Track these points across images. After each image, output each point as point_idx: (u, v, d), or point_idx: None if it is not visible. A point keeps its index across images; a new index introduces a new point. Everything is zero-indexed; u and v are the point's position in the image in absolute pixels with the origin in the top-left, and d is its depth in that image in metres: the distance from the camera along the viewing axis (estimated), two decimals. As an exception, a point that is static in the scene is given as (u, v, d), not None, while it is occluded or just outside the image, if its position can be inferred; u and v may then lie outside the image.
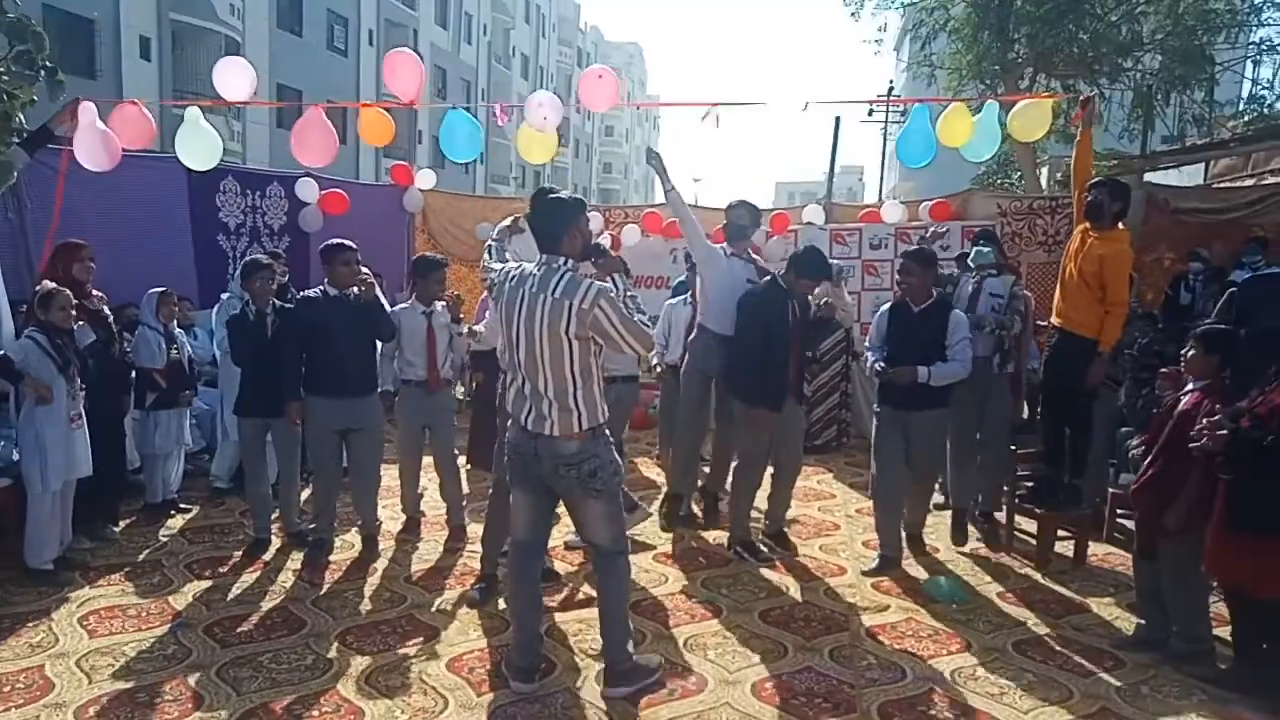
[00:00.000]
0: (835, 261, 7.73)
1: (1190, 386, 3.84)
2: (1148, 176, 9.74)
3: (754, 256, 5.54)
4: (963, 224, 8.91)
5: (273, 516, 5.21)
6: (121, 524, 5.34)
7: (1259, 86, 13.74)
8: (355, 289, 4.94)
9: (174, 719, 3.21)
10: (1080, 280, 4.97)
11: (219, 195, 7.75)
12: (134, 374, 5.37)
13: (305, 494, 5.61)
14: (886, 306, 5.06)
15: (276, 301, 5.11)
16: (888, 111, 32.83)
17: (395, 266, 9.88)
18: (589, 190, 60.14)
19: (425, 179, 10.16)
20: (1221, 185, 10.06)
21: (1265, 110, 12.95)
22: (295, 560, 4.91)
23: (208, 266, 7.51)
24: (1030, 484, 5.28)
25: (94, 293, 5.13)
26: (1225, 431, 3.33)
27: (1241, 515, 3.38)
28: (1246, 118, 12.82)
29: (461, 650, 3.81)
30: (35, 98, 4.76)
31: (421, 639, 3.92)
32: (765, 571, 4.87)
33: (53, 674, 3.51)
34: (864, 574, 4.85)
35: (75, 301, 4.60)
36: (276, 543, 5.12)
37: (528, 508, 3.52)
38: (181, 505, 5.70)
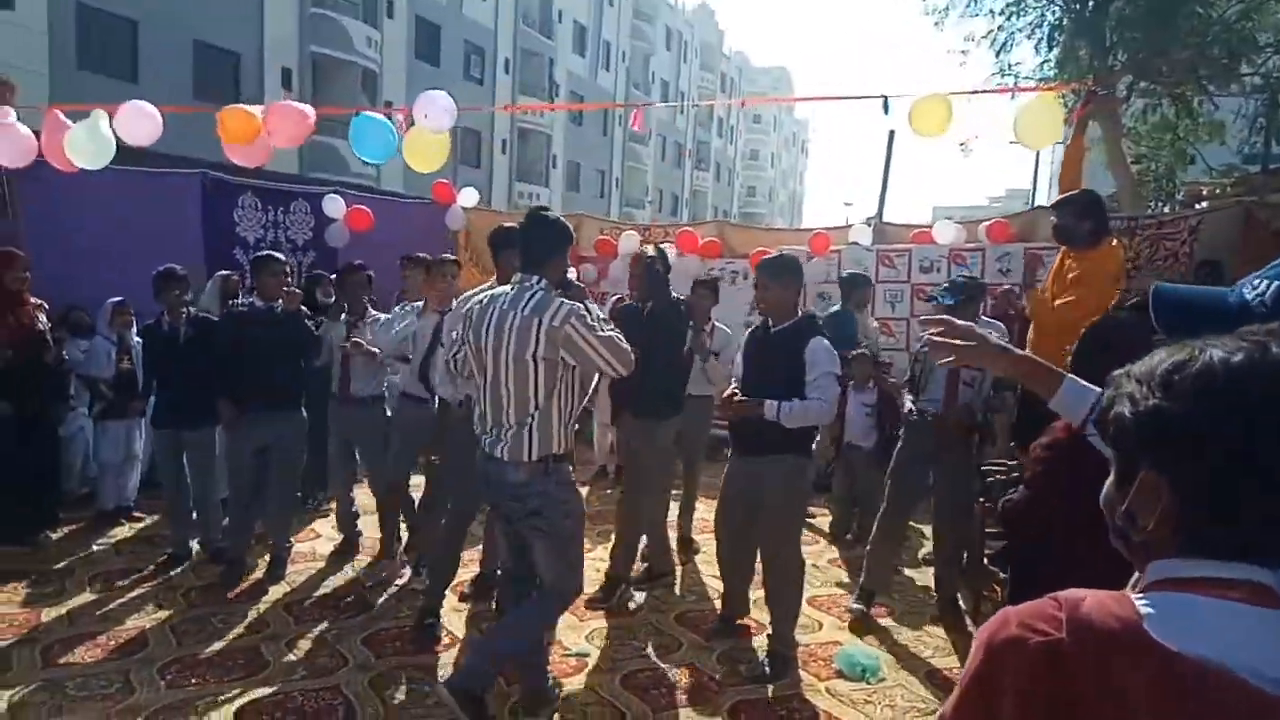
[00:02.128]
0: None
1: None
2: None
3: None
4: (1025, 246, 7.97)
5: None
6: (64, 530, 5.40)
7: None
8: (280, 301, 4.84)
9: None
10: (1051, 312, 4.21)
11: (237, 210, 7.91)
12: (71, 382, 5.43)
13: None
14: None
15: (191, 311, 5.05)
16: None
17: (435, 284, 9.91)
18: (729, 213, 59.83)
19: (468, 197, 10.11)
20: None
21: None
22: (203, 577, 4.79)
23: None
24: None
25: (29, 301, 5.19)
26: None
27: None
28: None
29: (263, 694, 3.51)
30: None
31: (240, 676, 3.65)
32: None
33: None
34: None
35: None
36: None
37: (505, 535, 3.40)
38: (136, 514, 5.73)
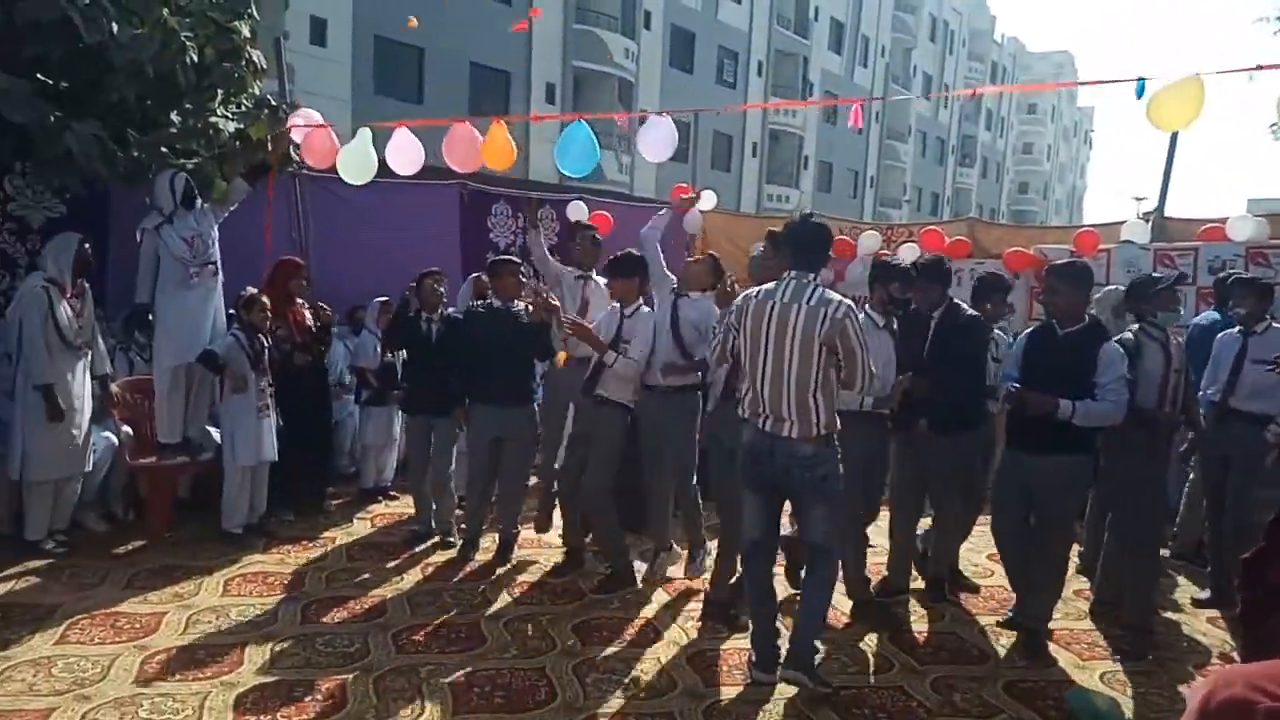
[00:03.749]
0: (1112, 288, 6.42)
1: None
2: None
3: None
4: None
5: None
6: (332, 505, 6.08)
7: None
8: (522, 303, 5.16)
9: (204, 677, 3.56)
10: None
11: (490, 217, 8.53)
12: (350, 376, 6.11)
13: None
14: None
15: (449, 310, 5.51)
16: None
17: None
18: (997, 211, 56.25)
19: (706, 200, 10.21)
20: None
21: None
22: (440, 556, 5.21)
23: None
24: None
25: (305, 306, 5.81)
26: None
27: None
28: None
29: (479, 666, 3.74)
30: (268, 134, 5.59)
31: (459, 648, 3.92)
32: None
33: (166, 620, 4.10)
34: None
35: (272, 309, 5.39)
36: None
37: (759, 508, 3.73)
38: (392, 493, 6.33)
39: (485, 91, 24.24)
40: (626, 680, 3.65)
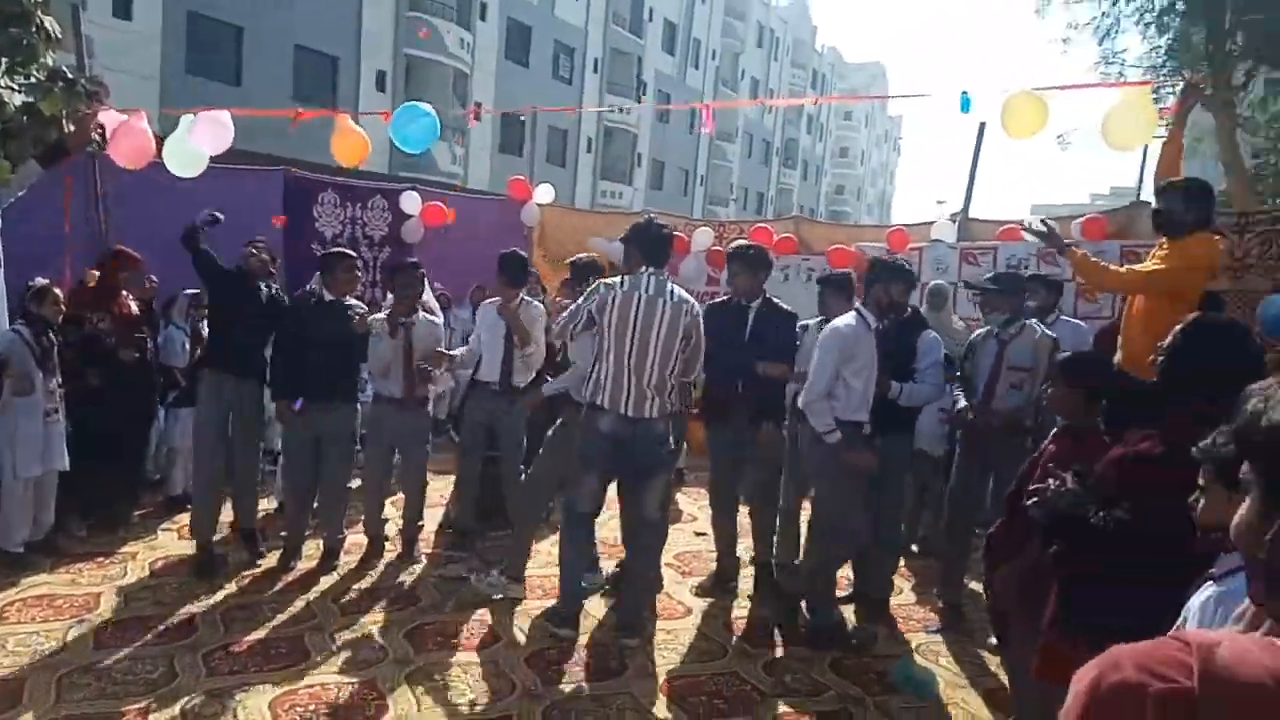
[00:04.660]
0: (946, 284, 6.78)
1: (1056, 428, 3.12)
2: None
3: None
4: (1122, 244, 7.49)
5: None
6: (137, 514, 5.56)
7: None
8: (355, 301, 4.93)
9: (-25, 718, 3.15)
10: (1144, 310, 3.88)
11: (316, 206, 8.07)
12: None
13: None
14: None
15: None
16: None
17: (508, 279, 9.95)
18: (816, 211, 58.91)
19: (544, 193, 10.11)
20: None
21: None
22: (257, 567, 4.85)
23: (298, 275, 7.81)
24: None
25: (129, 297, 5.38)
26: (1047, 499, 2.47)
27: (1070, 612, 2.42)
28: None
29: (302, 684, 3.50)
30: (63, 110, 5.05)
31: (280, 666, 3.66)
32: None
33: (-71, 655, 3.60)
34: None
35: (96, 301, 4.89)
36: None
37: (596, 487, 4.05)
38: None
39: (311, 77, 23.03)
40: (463, 686, 3.52)
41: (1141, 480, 2.31)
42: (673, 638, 4.08)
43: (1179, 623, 1.79)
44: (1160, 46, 11.42)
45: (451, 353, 5.19)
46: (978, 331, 4.89)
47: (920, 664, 3.82)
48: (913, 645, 4.08)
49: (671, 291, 3.91)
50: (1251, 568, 0.78)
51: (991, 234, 8.46)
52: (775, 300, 4.61)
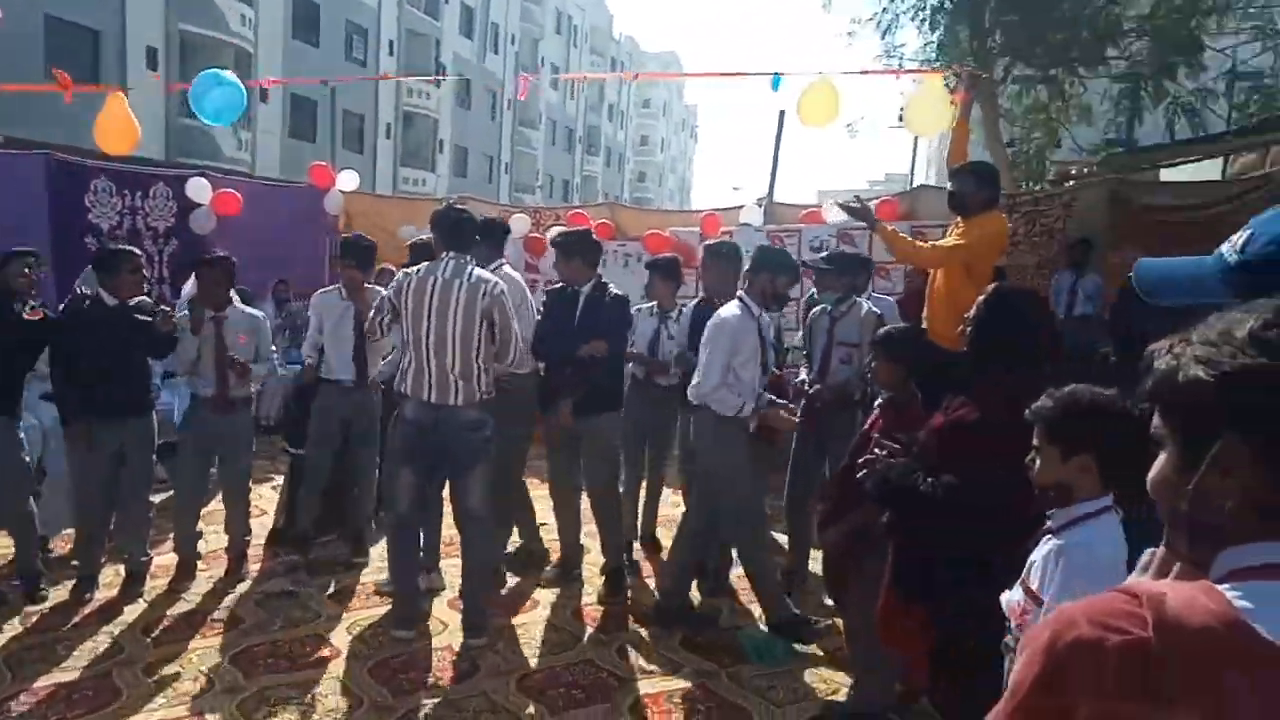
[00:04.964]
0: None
1: (879, 400, 3.34)
2: (1164, 175, 8.81)
3: None
4: (911, 224, 8.09)
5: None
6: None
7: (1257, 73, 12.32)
8: (143, 299, 4.47)
9: None
10: (945, 284, 4.21)
11: (88, 195, 7.27)
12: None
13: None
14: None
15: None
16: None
17: (312, 269, 9.42)
18: (620, 198, 59.85)
19: (348, 180, 9.65)
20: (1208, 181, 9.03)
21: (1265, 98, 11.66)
22: (44, 603, 4.33)
23: (69, 271, 7.02)
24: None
25: None
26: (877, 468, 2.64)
27: (904, 577, 2.61)
28: (1252, 108, 11.59)
29: (115, 725, 3.17)
30: None
31: (87, 709, 3.29)
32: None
33: None
34: None
35: None
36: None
37: (412, 483, 3.94)
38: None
39: (66, 50, 20.66)
40: (304, 707, 3.31)
41: (960, 447, 2.47)
42: (524, 631, 4.02)
43: (1023, 575, 1.95)
44: (933, 42, 12.43)
45: (253, 365, 4.77)
46: (814, 310, 5.12)
47: (766, 632, 3.95)
48: (756, 616, 4.21)
49: (470, 274, 3.81)
50: (1173, 520, 0.84)
51: (795, 217, 8.90)
52: (606, 284, 4.55)
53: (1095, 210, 7.47)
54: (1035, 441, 1.98)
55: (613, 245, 8.97)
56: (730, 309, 3.90)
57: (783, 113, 9.42)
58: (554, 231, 8.83)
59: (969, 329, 2.68)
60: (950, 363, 4.16)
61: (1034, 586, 1.87)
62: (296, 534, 4.90)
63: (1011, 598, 1.93)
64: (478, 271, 3.86)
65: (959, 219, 4.30)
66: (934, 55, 12.14)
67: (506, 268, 4.72)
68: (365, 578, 4.69)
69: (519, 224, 9.19)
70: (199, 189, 8.02)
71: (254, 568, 4.80)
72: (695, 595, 4.40)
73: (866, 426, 3.36)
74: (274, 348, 5.26)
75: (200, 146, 21.65)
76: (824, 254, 5.54)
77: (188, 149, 21.03)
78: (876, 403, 3.43)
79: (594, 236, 4.75)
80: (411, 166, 35.69)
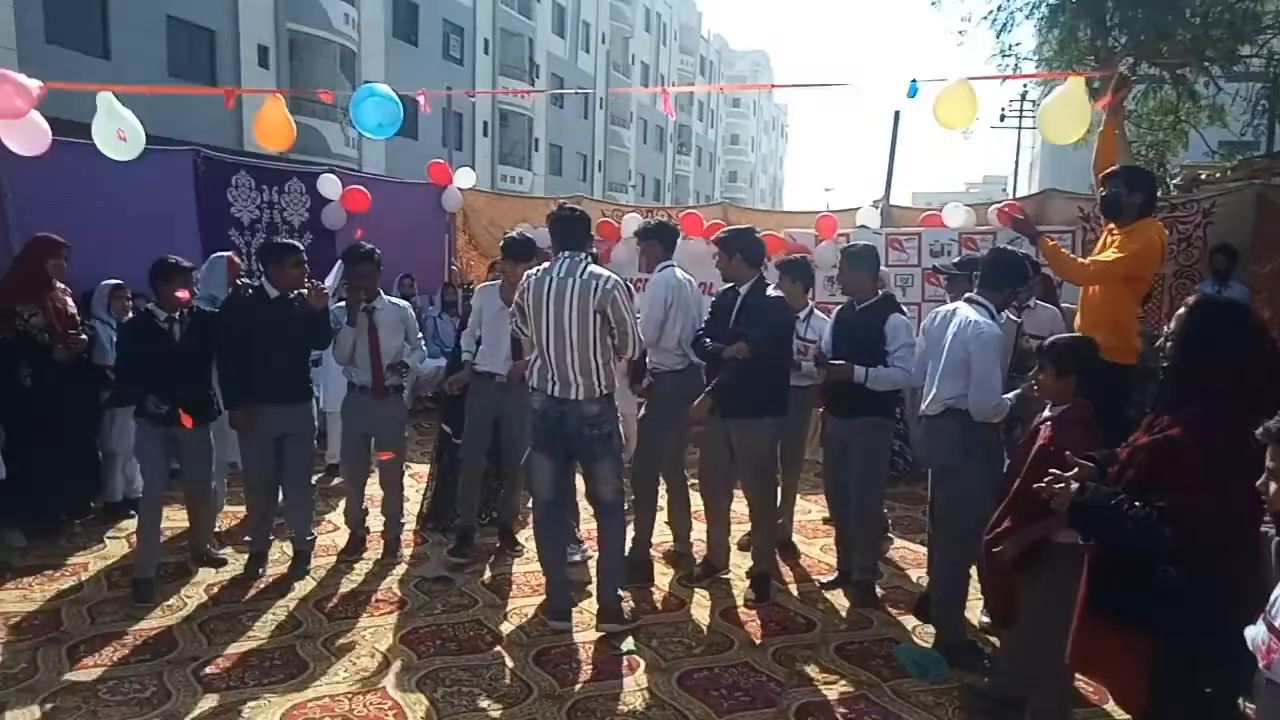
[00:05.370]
0: (884, 270, 6.96)
1: (1046, 414, 3.19)
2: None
3: None
4: (1039, 229, 7.92)
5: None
6: (78, 522, 5.18)
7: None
8: (303, 291, 4.65)
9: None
10: (1103, 296, 4.14)
11: (230, 190, 7.65)
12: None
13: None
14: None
15: (196, 306, 4.70)
16: (1020, 115, 31.07)
17: (432, 265, 9.71)
18: (711, 198, 59.73)
19: (465, 178, 9.89)
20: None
21: None
22: (223, 574, 4.61)
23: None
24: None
25: (59, 287, 5.03)
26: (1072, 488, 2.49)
27: (1100, 593, 2.51)
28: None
29: (308, 697, 3.37)
30: None
31: (281, 678, 3.50)
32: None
33: (-119, 689, 3.29)
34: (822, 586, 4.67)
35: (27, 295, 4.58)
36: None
37: (550, 470, 4.09)
38: (144, 506, 5.50)
39: (186, 50, 21.67)
40: (477, 690, 3.46)
41: (1172, 467, 2.35)
42: (675, 631, 4.09)
43: (1267, 609, 1.89)
44: (1049, 41, 12.04)
45: (419, 367, 5.00)
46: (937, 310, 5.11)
47: (924, 647, 3.94)
48: (909, 627, 4.21)
49: (583, 271, 3.89)
50: None
51: (913, 220, 8.80)
52: (766, 284, 4.52)
53: (1239, 216, 7.16)
54: (1270, 463, 1.94)
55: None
56: (987, 320, 3.73)
57: (898, 113, 9.31)
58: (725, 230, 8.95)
59: (1171, 342, 2.60)
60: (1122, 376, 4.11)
61: (1278, 623, 1.84)
62: (460, 529, 5.01)
63: (1256, 635, 1.88)
64: (591, 268, 3.93)
65: (1113, 226, 4.24)
66: (1051, 55, 11.78)
67: (677, 270, 4.82)
68: (516, 568, 4.84)
69: (631, 224, 9.29)
70: (330, 185, 8.35)
71: (405, 551, 5.03)
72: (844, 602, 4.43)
73: (1039, 440, 3.26)
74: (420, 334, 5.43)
75: (311, 143, 22.37)
76: (955, 259, 5.48)
77: (299, 145, 21.76)
78: (1043, 416, 3.32)
79: (757, 234, 4.67)
80: (509, 165, 36.26)
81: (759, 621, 4.24)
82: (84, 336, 5.01)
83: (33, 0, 18.49)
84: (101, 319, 5.32)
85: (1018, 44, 12.60)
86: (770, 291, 4.49)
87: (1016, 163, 31.87)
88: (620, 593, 4.13)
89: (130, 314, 5.28)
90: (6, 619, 3.94)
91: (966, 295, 3.91)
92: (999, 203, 8.53)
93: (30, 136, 5.02)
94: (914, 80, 5.56)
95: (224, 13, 22.87)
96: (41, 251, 4.97)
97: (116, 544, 5.00)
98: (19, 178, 5.87)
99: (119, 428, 5.35)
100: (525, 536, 5.22)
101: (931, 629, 4.05)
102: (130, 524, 5.29)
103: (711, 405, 4.35)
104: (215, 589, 4.42)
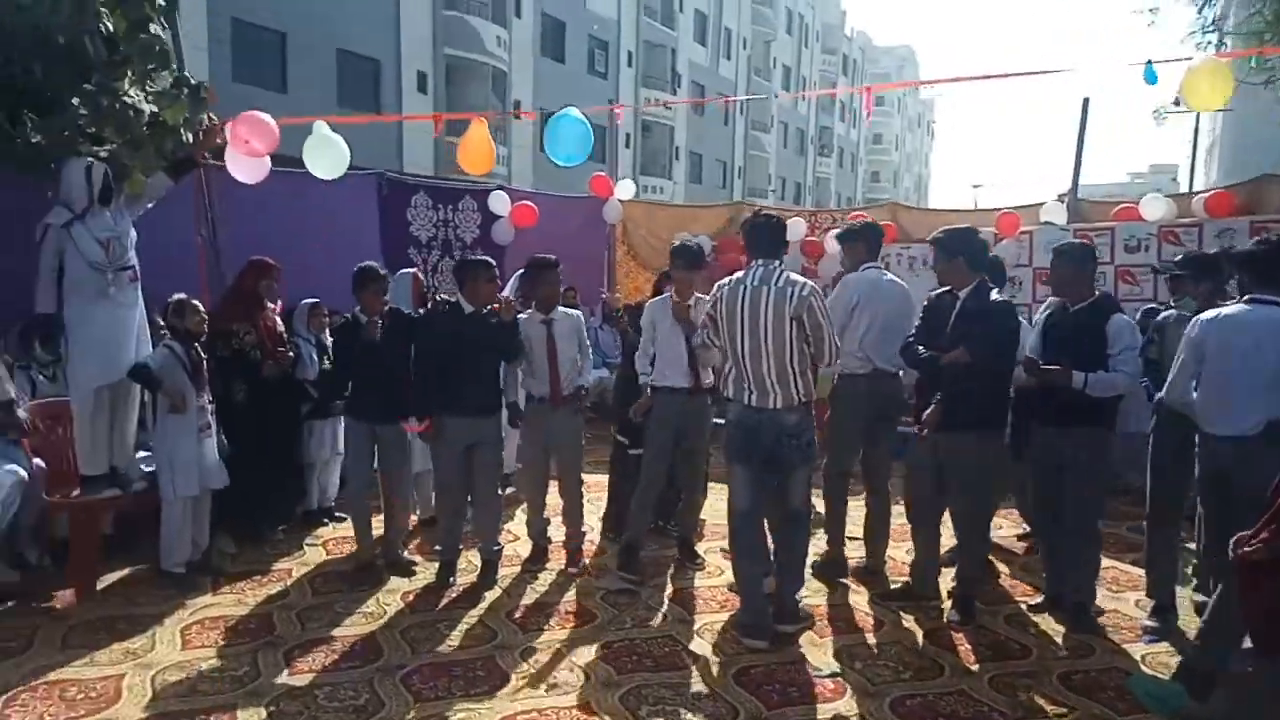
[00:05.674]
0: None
1: None
2: None
3: None
4: (1251, 219, 7.20)
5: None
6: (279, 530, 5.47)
7: None
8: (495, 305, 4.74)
9: (198, 753, 3.04)
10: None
11: (409, 210, 7.97)
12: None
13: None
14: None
15: (395, 307, 4.95)
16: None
17: (595, 278, 9.81)
18: (853, 200, 58.47)
19: (625, 189, 9.95)
20: None
21: None
22: (415, 583, 4.73)
23: (398, 280, 7.70)
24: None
25: (269, 306, 5.34)
26: None
27: None
28: None
29: (515, 710, 3.35)
30: (186, 115, 4.94)
31: (486, 689, 3.52)
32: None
33: (127, 685, 3.50)
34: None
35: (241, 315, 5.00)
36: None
37: (747, 480, 4.01)
38: (338, 514, 5.74)
39: (353, 80, 23.00)
40: (681, 709, 3.36)
41: None
42: (880, 653, 3.88)
43: None
44: (1262, 14, 10.92)
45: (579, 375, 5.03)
46: (1166, 313, 4.75)
47: (1160, 679, 3.57)
48: (1137, 656, 3.84)
49: (777, 279, 3.84)
50: None
51: (1105, 214, 8.20)
52: (990, 288, 4.18)
53: None
54: None
55: (895, 248, 8.67)
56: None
57: (1086, 100, 8.71)
58: (833, 234, 8.69)
59: None
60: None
61: None
62: (627, 541, 4.92)
63: None
64: (786, 275, 3.88)
65: None
66: (1263, 28, 10.69)
67: (883, 273, 4.81)
68: (698, 581, 4.74)
69: (795, 228, 9.08)
70: (499, 202, 8.57)
71: (585, 560, 5.02)
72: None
73: None
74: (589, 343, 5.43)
75: (464, 161, 23.21)
76: (1176, 257, 5.03)
77: (454, 164, 22.68)
78: None
79: (979, 234, 4.38)
80: (650, 175, 36.62)
81: (968, 645, 3.96)
82: (290, 354, 5.27)
83: (222, 44, 20.09)
84: (302, 335, 5.59)
85: (1222, 20, 11.25)
86: (994, 296, 4.18)
87: (1194, 148, 29.50)
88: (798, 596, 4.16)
89: (327, 329, 5.57)
90: (225, 622, 4.14)
91: (1249, 296, 3.56)
92: (1203, 192, 7.83)
93: (256, 168, 5.41)
94: (1150, 63, 5.12)
95: (388, 43, 24.14)
96: (256, 274, 5.28)
97: (315, 551, 5.22)
98: (220, 205, 6.30)
99: (316, 439, 5.62)
100: (704, 549, 5.16)
101: (1164, 659, 3.71)
102: (325, 531, 5.55)
103: (939, 416, 4.08)
104: (410, 596, 4.52)
